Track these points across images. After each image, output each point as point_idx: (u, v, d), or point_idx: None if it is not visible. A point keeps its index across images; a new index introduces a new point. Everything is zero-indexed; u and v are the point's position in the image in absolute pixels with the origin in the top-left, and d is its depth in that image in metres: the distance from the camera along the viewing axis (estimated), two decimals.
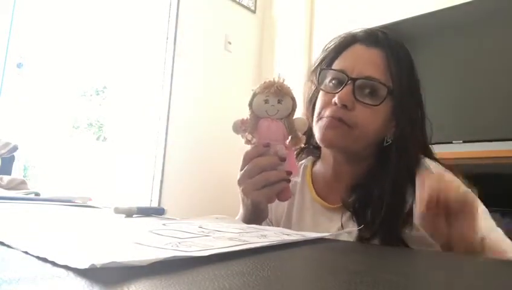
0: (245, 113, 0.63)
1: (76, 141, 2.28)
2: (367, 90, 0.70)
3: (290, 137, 0.62)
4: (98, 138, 2.48)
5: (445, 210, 0.55)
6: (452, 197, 0.54)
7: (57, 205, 0.84)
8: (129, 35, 2.40)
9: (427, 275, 0.32)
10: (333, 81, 0.73)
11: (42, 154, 2.11)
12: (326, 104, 0.71)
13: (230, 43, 2.69)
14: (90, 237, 0.41)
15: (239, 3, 2.78)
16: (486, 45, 1.89)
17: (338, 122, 0.69)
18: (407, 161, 0.69)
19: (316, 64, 0.79)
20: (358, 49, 0.74)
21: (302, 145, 0.73)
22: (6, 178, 1.11)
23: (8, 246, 0.32)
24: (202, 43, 2.55)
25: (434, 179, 0.56)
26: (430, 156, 0.74)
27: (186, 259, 0.29)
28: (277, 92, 0.59)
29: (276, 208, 0.82)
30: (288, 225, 0.79)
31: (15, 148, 1.29)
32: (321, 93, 0.74)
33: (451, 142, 1.80)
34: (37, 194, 0.97)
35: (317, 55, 0.82)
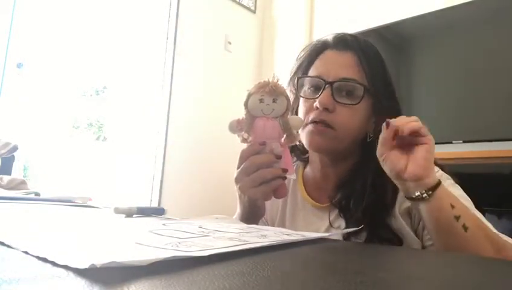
0: (244, 113, 0.64)
1: (76, 141, 2.28)
2: (344, 92, 0.73)
3: (285, 135, 0.63)
4: (98, 138, 2.48)
5: (400, 142, 0.59)
6: (406, 128, 0.58)
7: (57, 205, 0.84)
8: (129, 35, 2.40)
9: (427, 275, 0.32)
10: (311, 88, 0.76)
11: (42, 154, 2.11)
12: (308, 110, 0.75)
13: (230, 43, 2.69)
14: (90, 237, 0.41)
15: (239, 3, 2.78)
16: (486, 45, 1.89)
17: (323, 128, 0.72)
18: None
19: (292, 74, 0.82)
20: (330, 54, 0.78)
21: (297, 143, 0.77)
22: (6, 178, 1.11)
23: (8, 246, 0.32)
24: (202, 43, 2.55)
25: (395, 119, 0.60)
26: None
27: (186, 259, 0.29)
28: (272, 92, 0.61)
29: (271, 207, 0.84)
30: (282, 224, 0.82)
31: (15, 148, 1.29)
32: (301, 100, 0.78)
33: (451, 142, 1.80)
34: (37, 194, 0.97)
35: None
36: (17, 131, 1.94)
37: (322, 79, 0.74)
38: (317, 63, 0.78)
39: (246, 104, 0.63)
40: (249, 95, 0.62)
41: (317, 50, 0.80)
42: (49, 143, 2.13)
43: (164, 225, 0.50)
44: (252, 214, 0.70)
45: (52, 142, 2.15)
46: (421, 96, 2.07)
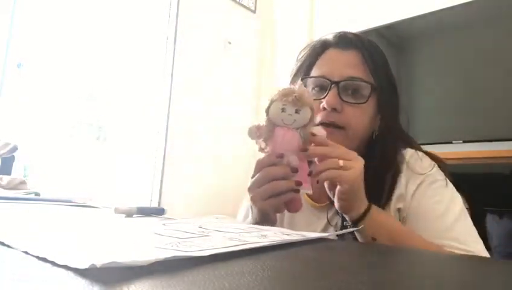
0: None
1: (76, 141, 2.28)
2: (350, 91, 0.73)
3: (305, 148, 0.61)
4: (98, 138, 2.48)
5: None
6: (321, 178, 0.60)
7: (57, 205, 0.84)
8: (129, 35, 2.40)
9: (427, 274, 0.32)
10: (316, 88, 0.75)
11: (42, 154, 2.11)
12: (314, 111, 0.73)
13: (230, 43, 2.69)
14: (90, 237, 0.41)
15: (239, 3, 2.78)
16: (486, 44, 1.89)
17: (333, 129, 0.71)
18: (390, 150, 0.74)
19: (293, 75, 0.81)
20: (333, 53, 0.76)
21: None
22: (6, 178, 1.11)
23: (8, 246, 0.32)
24: (202, 43, 2.55)
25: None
26: (413, 143, 0.78)
27: (186, 259, 0.29)
28: (295, 102, 0.57)
29: None
30: (280, 223, 0.81)
31: (15, 148, 1.29)
32: None
33: (451, 142, 1.80)
34: (37, 194, 0.97)
35: None
36: (17, 131, 1.94)
37: (327, 79, 0.72)
38: (319, 62, 0.77)
39: (267, 111, 0.60)
40: (271, 102, 0.59)
41: (318, 50, 0.78)
42: (49, 143, 2.13)
43: (164, 225, 0.50)
44: (262, 224, 0.69)
45: (52, 142, 2.15)
46: (421, 96, 2.07)
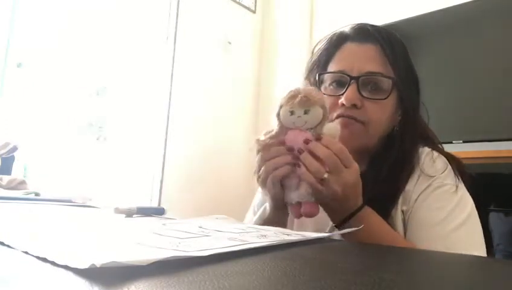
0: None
1: (77, 141, 2.28)
2: (370, 86, 0.70)
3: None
4: (98, 138, 2.48)
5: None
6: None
7: (57, 205, 0.84)
8: (129, 35, 2.40)
9: (427, 274, 0.32)
10: (334, 84, 0.72)
11: (42, 154, 2.10)
12: (332, 107, 0.69)
13: (230, 43, 2.69)
14: (90, 237, 0.41)
15: (239, 3, 2.78)
16: (486, 44, 1.89)
17: (351, 120, 0.68)
18: (408, 148, 0.71)
19: (309, 70, 0.78)
20: (351, 47, 0.73)
21: None
22: (6, 178, 1.11)
23: (8, 246, 0.32)
24: (202, 43, 2.55)
25: None
26: (434, 140, 0.76)
27: (186, 259, 0.29)
28: (302, 103, 0.55)
29: None
30: (291, 220, 0.80)
31: (15, 148, 1.29)
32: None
33: (451, 142, 1.80)
34: (37, 194, 0.97)
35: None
36: (17, 131, 1.93)
37: (346, 74, 0.69)
38: (337, 57, 0.73)
39: (278, 115, 0.58)
40: (280, 107, 0.58)
41: (335, 43, 0.75)
42: (49, 143, 2.13)
43: (164, 225, 0.50)
44: (276, 218, 0.65)
45: (52, 142, 2.15)
46: (421, 96, 2.06)
